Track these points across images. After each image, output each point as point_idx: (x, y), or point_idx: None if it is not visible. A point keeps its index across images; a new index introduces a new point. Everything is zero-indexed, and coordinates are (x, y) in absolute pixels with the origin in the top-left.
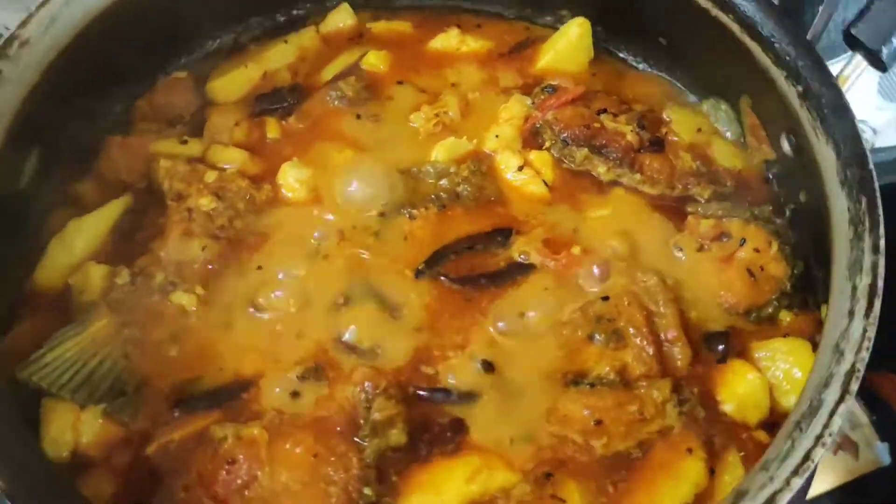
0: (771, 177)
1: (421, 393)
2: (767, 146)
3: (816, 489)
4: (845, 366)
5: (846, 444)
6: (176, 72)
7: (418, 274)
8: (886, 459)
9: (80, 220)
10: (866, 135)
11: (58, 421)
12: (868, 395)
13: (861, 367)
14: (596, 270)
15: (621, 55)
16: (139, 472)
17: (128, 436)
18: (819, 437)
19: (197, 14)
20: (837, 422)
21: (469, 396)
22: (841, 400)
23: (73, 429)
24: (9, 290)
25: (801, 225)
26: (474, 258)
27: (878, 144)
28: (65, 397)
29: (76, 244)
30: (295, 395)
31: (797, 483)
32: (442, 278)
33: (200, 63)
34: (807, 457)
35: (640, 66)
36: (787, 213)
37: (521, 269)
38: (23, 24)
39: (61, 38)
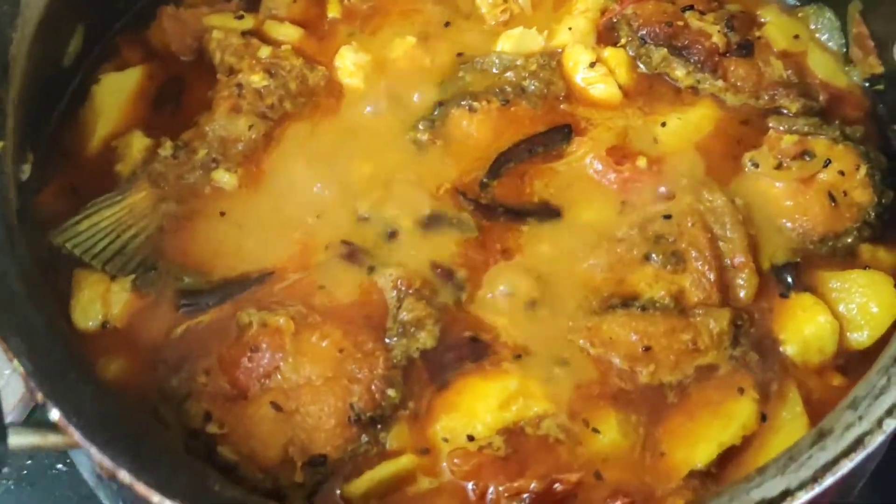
0: (874, 94)
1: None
2: (875, 58)
3: None
4: None
5: None
6: None
7: (483, 186)
8: None
9: (113, 74)
10: None
11: (89, 290)
12: None
13: None
14: (662, 188)
15: None
16: (162, 352)
17: (155, 312)
18: None
19: None
20: None
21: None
22: None
23: (102, 299)
24: (42, 148)
25: None
26: (536, 163)
27: None
28: (96, 267)
29: (106, 99)
30: (327, 277)
31: (891, 425)
32: (461, 197)
33: None
34: None
35: None
36: (890, 134)
37: (546, 213)
38: None
39: None
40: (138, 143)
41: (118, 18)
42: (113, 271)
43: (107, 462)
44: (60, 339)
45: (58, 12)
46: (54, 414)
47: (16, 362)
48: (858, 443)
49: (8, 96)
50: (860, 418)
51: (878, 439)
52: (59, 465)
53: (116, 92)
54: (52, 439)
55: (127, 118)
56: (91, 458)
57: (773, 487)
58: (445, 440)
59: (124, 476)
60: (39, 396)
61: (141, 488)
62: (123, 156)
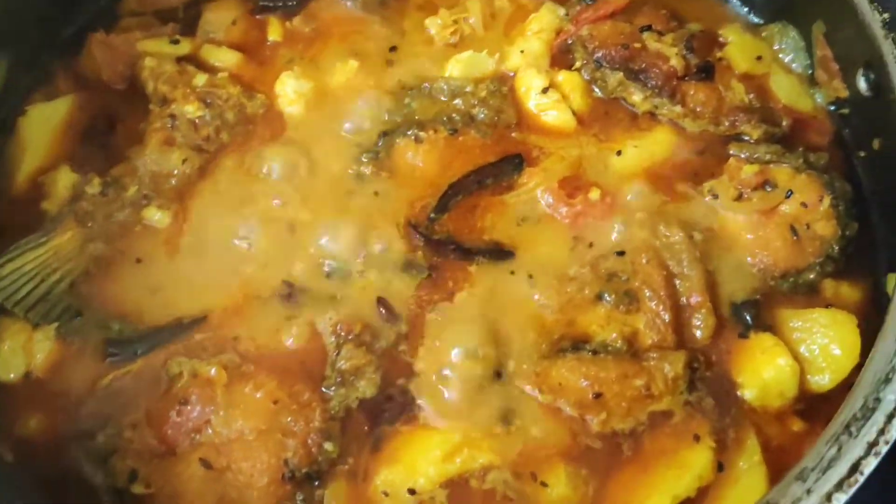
0: (840, 119)
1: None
2: (840, 82)
3: None
4: None
5: None
6: None
7: (431, 221)
8: None
9: (40, 106)
10: None
11: (10, 341)
12: None
13: None
14: (615, 222)
15: None
16: (87, 405)
17: (80, 362)
18: (872, 445)
19: None
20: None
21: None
22: None
23: (24, 349)
24: None
25: (871, 176)
26: (486, 195)
27: None
28: (18, 315)
29: (34, 132)
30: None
31: (841, 499)
32: (413, 231)
33: None
34: (855, 468)
35: None
36: (855, 161)
37: (498, 254)
38: None
39: None
40: (65, 178)
41: (47, 46)
42: (36, 319)
43: None
44: None
45: None
46: None
47: None
48: None
49: None
50: (808, 492)
51: None
52: None
53: (44, 124)
54: None
55: (55, 152)
56: None
57: None
58: (386, 494)
59: None
60: None
61: None
62: (50, 193)
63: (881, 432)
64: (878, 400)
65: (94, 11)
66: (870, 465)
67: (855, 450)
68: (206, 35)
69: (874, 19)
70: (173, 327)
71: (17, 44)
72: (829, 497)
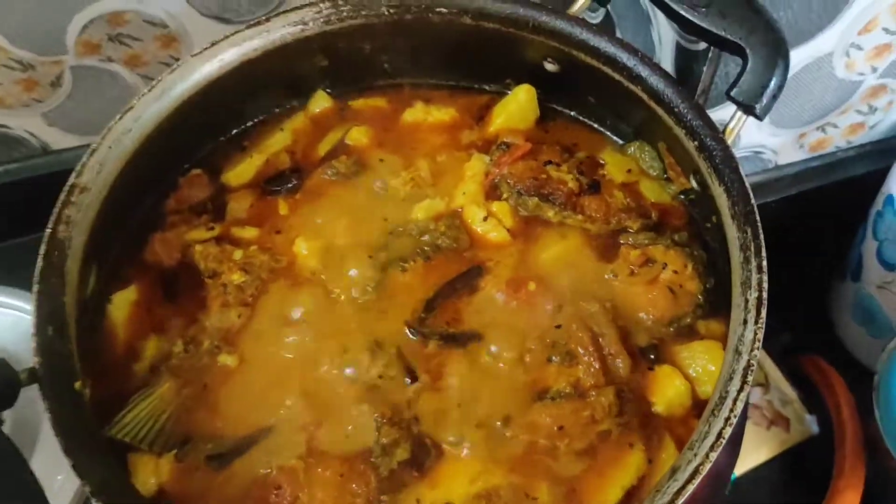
0: (689, 204)
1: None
2: (684, 178)
3: (754, 461)
4: (742, 363)
5: (778, 420)
6: (192, 170)
7: (422, 320)
8: (815, 429)
9: (119, 294)
10: (767, 155)
11: (143, 469)
12: (795, 375)
13: (754, 362)
14: (550, 305)
15: (561, 111)
16: (208, 501)
17: (196, 473)
18: (727, 419)
19: (203, 128)
20: (740, 406)
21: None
22: (741, 389)
23: (155, 474)
24: (90, 370)
25: (716, 241)
26: (460, 299)
27: (780, 162)
28: (144, 449)
29: (119, 314)
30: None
31: (713, 456)
32: (408, 331)
33: (210, 159)
34: (719, 435)
35: (578, 119)
36: (704, 233)
37: (473, 338)
38: (78, 173)
39: (109, 178)
40: (153, 345)
41: (117, 249)
42: (158, 450)
43: None
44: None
45: (83, 272)
46: None
47: None
48: (696, 472)
49: (74, 348)
50: (695, 455)
51: (707, 467)
52: None
53: (125, 306)
54: None
55: (138, 324)
56: None
57: None
58: None
59: None
60: None
61: None
62: (141, 356)
63: (731, 410)
64: (726, 392)
65: (142, 217)
66: (728, 432)
67: (718, 424)
68: (232, 219)
69: (689, 145)
70: (251, 438)
71: (100, 255)
72: (707, 456)
